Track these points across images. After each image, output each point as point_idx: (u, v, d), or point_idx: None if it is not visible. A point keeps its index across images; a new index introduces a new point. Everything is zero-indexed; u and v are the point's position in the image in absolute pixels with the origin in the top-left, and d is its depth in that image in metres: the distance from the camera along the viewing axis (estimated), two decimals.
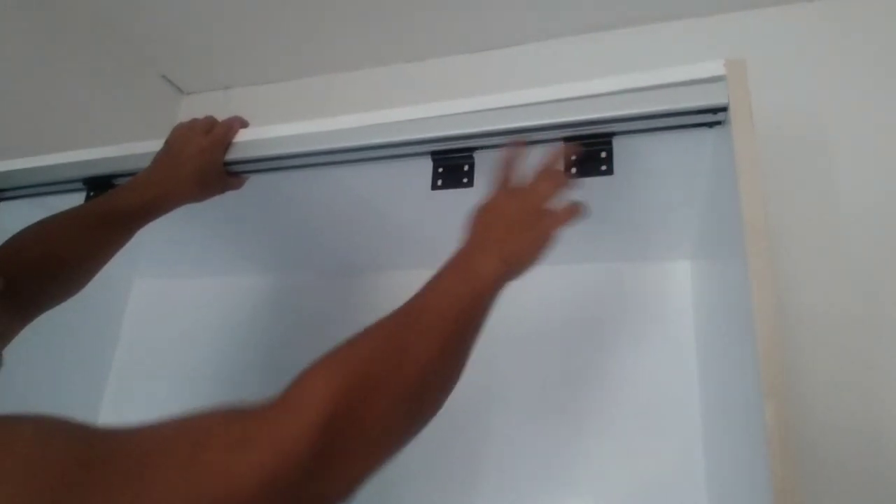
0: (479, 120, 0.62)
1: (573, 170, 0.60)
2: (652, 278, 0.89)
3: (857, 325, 0.81)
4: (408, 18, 1.14)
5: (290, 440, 0.35)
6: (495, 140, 0.62)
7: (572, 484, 0.83)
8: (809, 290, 0.84)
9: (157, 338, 1.17)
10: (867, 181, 0.87)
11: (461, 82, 1.20)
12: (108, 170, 0.78)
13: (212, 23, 1.20)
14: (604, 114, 0.57)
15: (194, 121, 0.74)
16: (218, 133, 0.71)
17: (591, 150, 0.60)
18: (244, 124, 0.74)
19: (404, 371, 0.41)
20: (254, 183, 0.77)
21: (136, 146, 0.77)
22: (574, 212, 0.55)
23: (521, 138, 0.59)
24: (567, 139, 0.61)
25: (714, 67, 0.54)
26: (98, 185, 0.80)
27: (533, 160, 0.65)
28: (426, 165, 0.67)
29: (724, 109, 0.54)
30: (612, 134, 0.59)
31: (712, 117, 0.56)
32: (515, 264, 0.51)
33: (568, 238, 0.87)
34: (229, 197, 0.76)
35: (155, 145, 0.73)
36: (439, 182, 0.66)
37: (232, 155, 0.71)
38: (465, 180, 0.64)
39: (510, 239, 0.51)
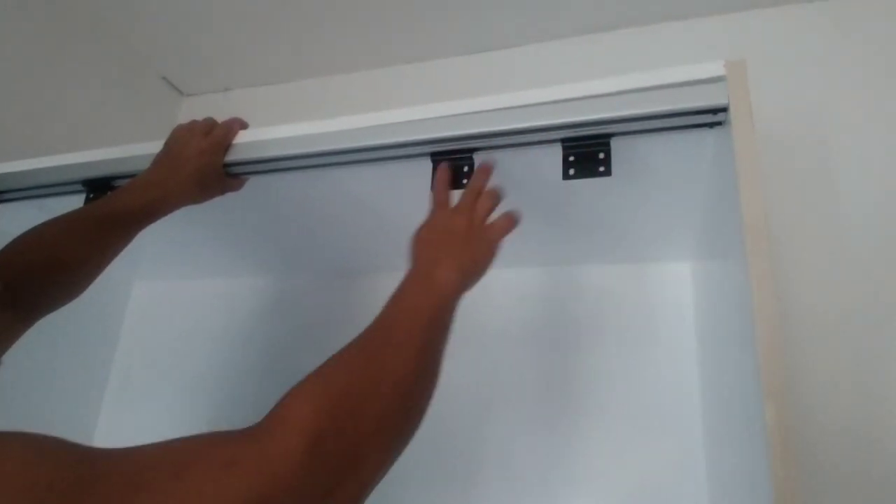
0: (478, 121, 0.62)
1: (571, 171, 0.60)
2: (652, 279, 0.89)
3: (858, 326, 0.81)
4: (407, 20, 1.14)
5: (278, 461, 0.35)
6: (495, 141, 0.62)
7: (573, 484, 0.83)
8: (810, 291, 0.84)
9: (158, 339, 1.17)
10: (867, 181, 0.87)
11: (461, 83, 1.20)
12: (108, 172, 0.78)
13: (212, 25, 1.21)
14: (602, 115, 0.57)
15: (194, 122, 0.73)
16: (217, 134, 0.71)
17: (589, 151, 0.60)
18: (244, 126, 0.74)
19: (384, 386, 0.43)
20: (253, 184, 0.77)
21: (136, 148, 0.77)
22: (513, 221, 0.60)
23: (488, 164, 0.63)
24: (565, 140, 0.61)
25: (714, 68, 0.54)
26: (98, 186, 0.79)
27: (530, 161, 0.65)
28: (426, 167, 0.67)
29: (724, 110, 0.54)
30: (611, 135, 0.59)
31: (712, 118, 0.56)
32: (471, 275, 0.55)
33: (568, 239, 0.87)
34: (229, 198, 0.76)
35: (154, 147, 0.73)
36: None
37: (231, 156, 0.71)
38: (464, 181, 0.64)
39: (463, 252, 0.55)
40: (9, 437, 0.32)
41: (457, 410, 0.91)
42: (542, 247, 0.91)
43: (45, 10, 1.12)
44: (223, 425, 0.38)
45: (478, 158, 0.65)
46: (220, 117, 0.74)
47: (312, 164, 0.71)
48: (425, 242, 0.57)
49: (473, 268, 0.56)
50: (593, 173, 0.60)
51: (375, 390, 0.42)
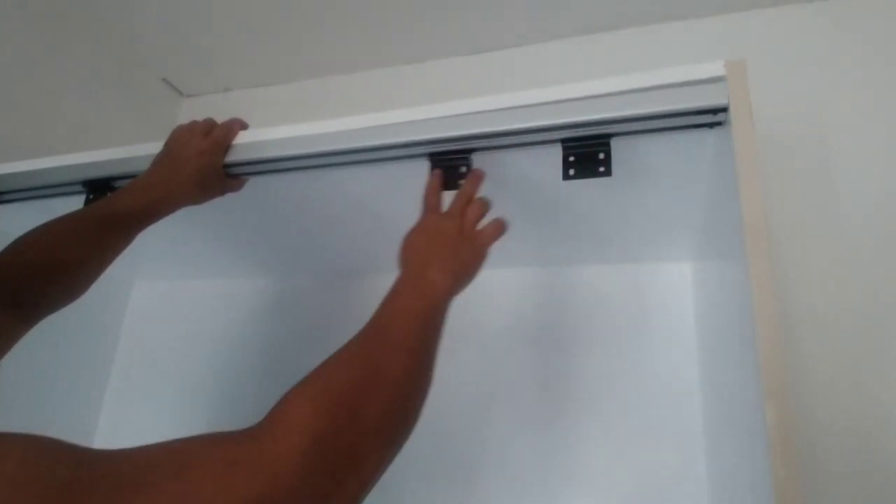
0: (477, 121, 0.62)
1: (571, 171, 0.60)
2: (653, 279, 0.89)
3: (858, 326, 0.81)
4: (407, 21, 1.14)
5: (278, 461, 0.35)
6: (494, 141, 0.62)
7: (573, 484, 0.83)
8: (810, 291, 0.84)
9: (158, 339, 1.17)
10: (867, 181, 0.87)
11: (460, 84, 1.20)
12: (108, 172, 0.78)
13: (212, 25, 1.21)
14: (602, 115, 0.57)
15: (193, 123, 0.73)
16: (217, 135, 0.71)
17: (589, 152, 0.60)
18: (243, 126, 0.74)
19: (381, 386, 0.43)
20: (253, 185, 0.77)
21: (136, 149, 0.77)
22: (500, 228, 0.62)
23: (480, 171, 0.65)
24: (565, 140, 0.61)
25: (714, 68, 0.54)
26: (98, 187, 0.79)
27: (530, 162, 0.65)
28: (424, 167, 0.67)
29: (724, 110, 0.54)
30: (611, 135, 0.59)
31: (712, 118, 0.56)
32: (461, 278, 0.56)
33: (568, 239, 0.87)
34: (229, 199, 0.76)
35: (154, 148, 0.73)
36: None
37: (231, 157, 0.71)
38: (462, 182, 0.64)
39: (454, 256, 0.56)
40: (8, 438, 0.32)
41: (458, 410, 0.91)
42: (543, 247, 0.91)
43: (45, 11, 1.12)
44: (223, 425, 0.38)
45: (476, 158, 0.66)
46: (220, 118, 0.74)
47: (312, 165, 0.71)
48: (416, 246, 0.58)
49: (463, 272, 0.57)
50: (593, 173, 0.60)
51: (373, 390, 0.43)
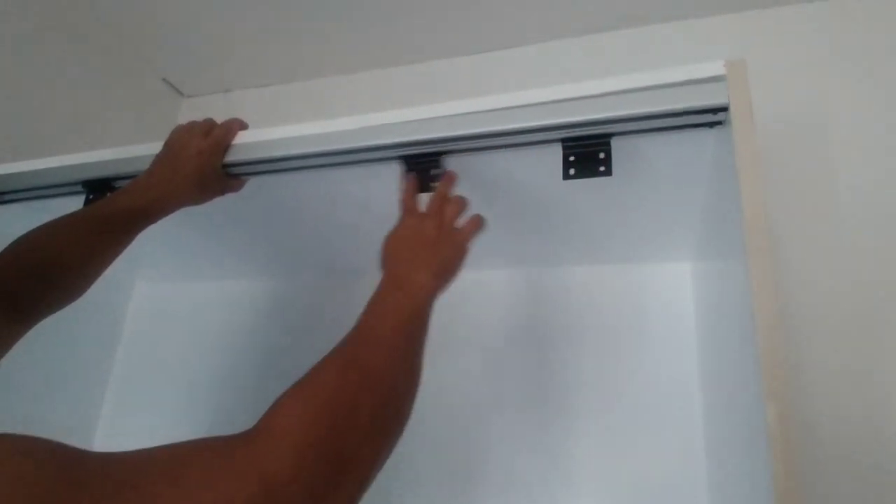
0: (477, 121, 0.62)
1: (571, 171, 0.60)
2: (653, 280, 0.89)
3: (858, 325, 0.81)
4: (407, 21, 1.14)
5: (272, 466, 0.35)
6: (495, 141, 0.62)
7: (572, 484, 0.83)
8: (810, 290, 0.84)
9: (159, 340, 1.17)
10: (867, 181, 0.87)
11: (461, 83, 1.20)
12: (107, 173, 0.78)
13: (212, 26, 1.21)
14: (602, 114, 0.57)
15: (193, 123, 0.73)
16: (217, 135, 0.71)
17: (589, 151, 0.60)
18: (243, 126, 0.74)
19: (370, 387, 0.44)
20: (253, 185, 0.77)
21: (135, 149, 0.77)
22: (478, 223, 0.63)
23: (452, 172, 0.66)
24: (565, 140, 0.60)
25: (714, 68, 0.54)
26: (97, 188, 0.79)
27: (529, 161, 0.65)
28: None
29: (724, 109, 0.54)
30: (611, 135, 0.59)
31: (712, 117, 0.56)
32: (443, 277, 0.57)
33: (568, 239, 0.87)
34: (229, 199, 0.76)
35: (154, 148, 0.73)
36: None
37: (231, 157, 0.71)
38: (434, 185, 0.65)
39: (434, 255, 0.57)
40: (6, 440, 0.32)
41: (457, 411, 0.91)
42: (544, 248, 0.91)
43: (44, 11, 1.12)
44: (224, 425, 0.38)
45: (476, 158, 0.65)
46: (220, 118, 0.74)
47: (312, 165, 0.71)
48: (397, 248, 0.59)
49: (445, 270, 0.58)
50: (594, 173, 0.60)
51: (364, 391, 0.43)
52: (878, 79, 0.92)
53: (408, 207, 0.64)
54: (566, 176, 0.60)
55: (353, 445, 0.40)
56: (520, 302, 0.96)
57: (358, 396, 0.42)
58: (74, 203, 0.76)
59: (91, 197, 0.80)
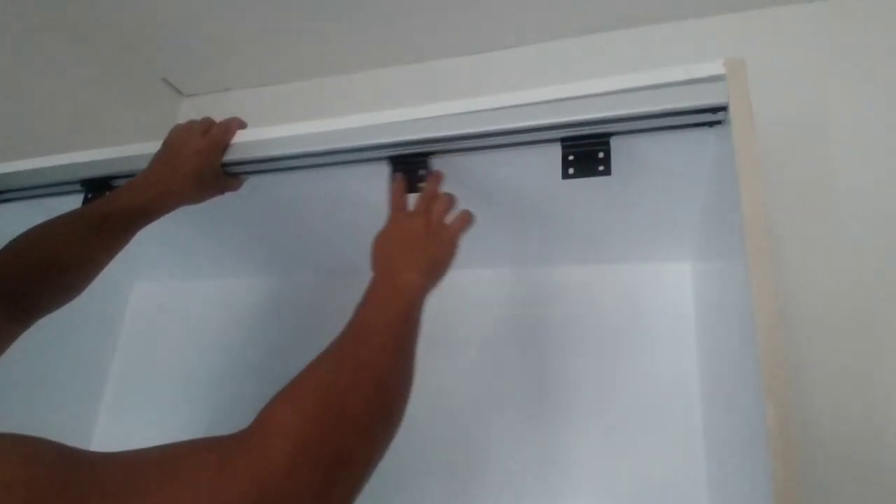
0: (476, 121, 0.61)
1: (571, 170, 0.60)
2: (653, 279, 0.89)
3: (858, 325, 0.81)
4: (406, 21, 1.14)
5: (267, 466, 0.36)
6: (494, 141, 0.62)
7: (572, 484, 0.82)
8: (810, 290, 0.83)
9: (157, 339, 1.17)
10: (867, 181, 0.87)
11: (461, 83, 1.20)
12: (106, 171, 0.78)
13: (212, 25, 1.21)
14: (601, 114, 0.57)
15: (192, 122, 0.73)
16: (215, 134, 0.71)
17: (589, 151, 0.60)
18: (242, 125, 0.74)
19: (364, 386, 0.44)
20: (252, 184, 0.77)
21: (134, 148, 0.77)
22: (467, 219, 0.63)
23: (439, 171, 0.66)
24: (565, 139, 0.60)
25: (714, 67, 0.54)
26: (96, 186, 0.79)
27: (529, 161, 0.65)
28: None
29: (723, 109, 0.54)
30: (610, 134, 0.59)
31: (712, 117, 0.55)
32: (434, 274, 0.57)
33: (567, 239, 0.87)
34: (228, 198, 0.76)
35: (154, 147, 0.73)
36: None
37: (230, 156, 0.71)
38: (422, 185, 0.65)
39: (424, 253, 0.57)
40: (3, 440, 0.32)
41: (456, 411, 0.90)
42: (542, 247, 0.90)
43: (44, 11, 1.12)
44: (222, 424, 0.38)
45: (477, 158, 0.65)
46: (220, 118, 0.74)
47: (311, 164, 0.71)
48: (386, 247, 0.59)
49: (435, 267, 0.58)
50: (593, 172, 0.60)
51: (357, 390, 0.43)
52: (878, 79, 0.92)
53: (395, 206, 0.64)
54: (565, 175, 0.60)
55: (347, 444, 0.40)
56: (519, 302, 0.96)
57: (351, 396, 0.43)
58: (73, 202, 0.75)
59: (89, 196, 0.80)
